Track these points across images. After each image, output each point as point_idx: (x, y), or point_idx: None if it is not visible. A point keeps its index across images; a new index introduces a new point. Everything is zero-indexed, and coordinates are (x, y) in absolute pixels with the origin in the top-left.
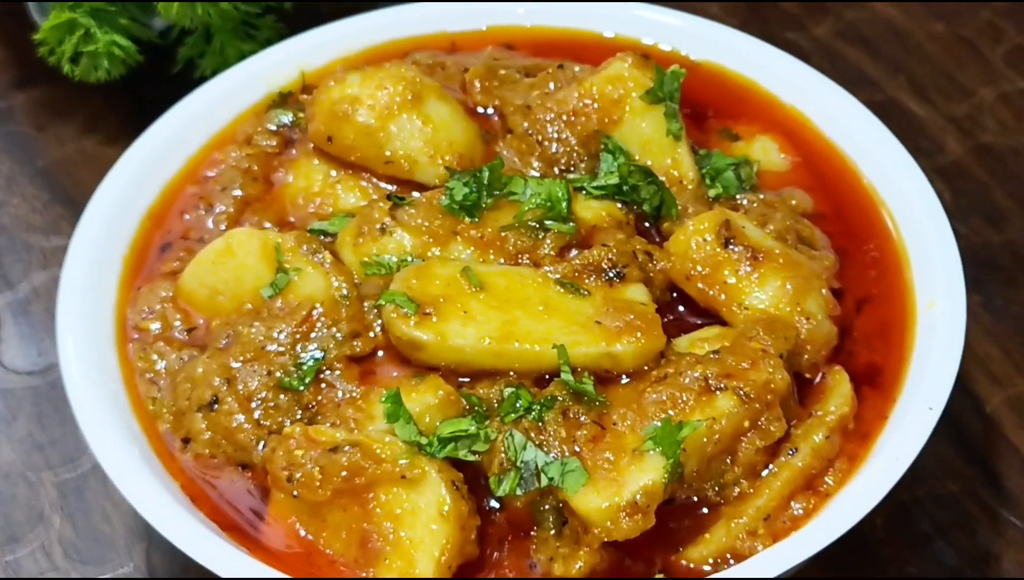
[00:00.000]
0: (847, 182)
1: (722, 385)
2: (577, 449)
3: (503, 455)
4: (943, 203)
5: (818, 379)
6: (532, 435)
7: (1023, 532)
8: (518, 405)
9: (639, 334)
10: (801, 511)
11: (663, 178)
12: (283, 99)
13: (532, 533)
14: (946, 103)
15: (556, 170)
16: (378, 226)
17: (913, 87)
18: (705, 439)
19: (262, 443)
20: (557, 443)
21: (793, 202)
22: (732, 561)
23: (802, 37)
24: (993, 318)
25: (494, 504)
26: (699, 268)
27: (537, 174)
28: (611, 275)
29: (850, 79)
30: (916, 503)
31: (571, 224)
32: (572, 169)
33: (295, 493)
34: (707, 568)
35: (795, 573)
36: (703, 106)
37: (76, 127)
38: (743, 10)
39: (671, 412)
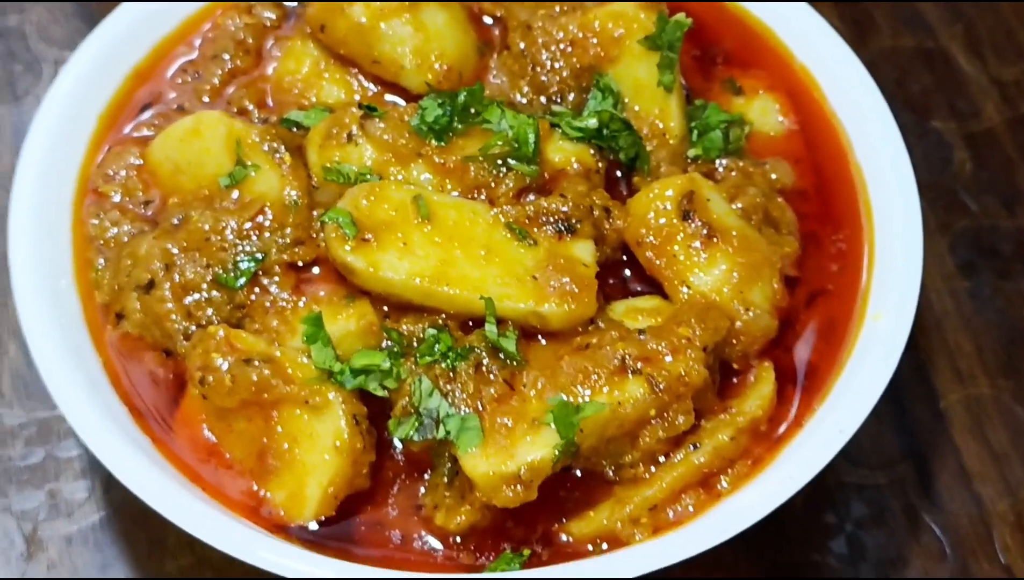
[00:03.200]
0: (836, 161)
1: (637, 368)
2: (480, 406)
3: (408, 398)
4: (962, 173)
5: (745, 372)
6: (441, 383)
7: (939, 541)
8: (436, 349)
9: (571, 299)
10: (691, 508)
11: (647, 128)
12: None
13: (426, 475)
14: (997, 64)
15: (543, 99)
16: (345, 133)
17: (968, 39)
18: (607, 422)
19: (189, 334)
20: (464, 396)
21: (773, 176)
22: (606, 546)
23: None
24: (975, 308)
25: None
26: (652, 237)
27: (524, 100)
28: (562, 228)
29: (904, 18)
30: (841, 487)
31: (534, 167)
32: (559, 101)
33: (204, 395)
34: (589, 548)
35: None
36: (714, 49)
37: None
38: None
39: (581, 387)
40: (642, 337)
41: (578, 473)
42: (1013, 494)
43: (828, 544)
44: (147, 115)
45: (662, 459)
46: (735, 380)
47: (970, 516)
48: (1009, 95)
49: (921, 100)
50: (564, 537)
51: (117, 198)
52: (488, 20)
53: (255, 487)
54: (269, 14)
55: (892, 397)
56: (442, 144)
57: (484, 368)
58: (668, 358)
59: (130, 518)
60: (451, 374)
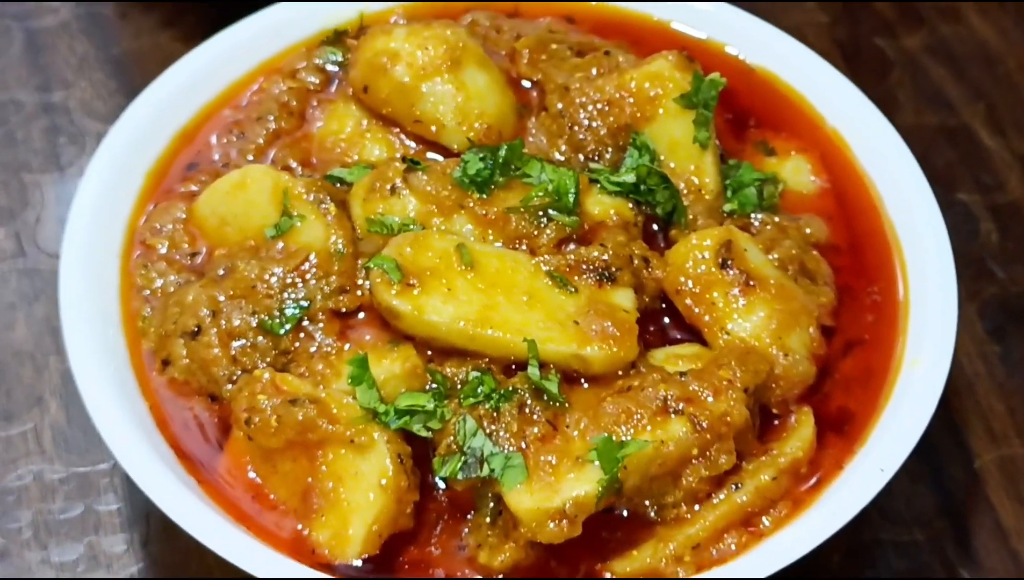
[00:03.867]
0: (869, 218)
1: (679, 408)
2: (524, 445)
3: (452, 438)
4: (988, 244)
5: (785, 417)
6: (485, 423)
7: None
8: (479, 390)
9: (612, 342)
10: (733, 547)
11: (683, 184)
12: (337, 37)
13: (469, 516)
14: (1020, 139)
15: (581, 157)
16: (388, 186)
17: (990, 117)
18: (650, 460)
19: (234, 379)
20: (507, 436)
21: (808, 230)
22: None
23: (890, 45)
24: (1007, 372)
25: (440, 481)
26: (691, 284)
27: (562, 158)
28: (602, 276)
29: (928, 97)
30: (879, 546)
31: (574, 217)
32: (597, 159)
33: (250, 436)
34: None
35: None
36: (747, 113)
37: (156, 20)
38: (837, 8)
39: (624, 426)
40: (683, 379)
41: (623, 514)
42: None
43: None
44: (191, 173)
45: (703, 502)
46: (775, 423)
47: (1007, 571)
48: None
49: (946, 174)
50: (608, 575)
51: (164, 250)
52: (526, 84)
53: (300, 527)
54: (312, 78)
55: (927, 457)
56: (484, 196)
57: (527, 409)
58: (710, 399)
59: (167, 570)
60: (495, 415)
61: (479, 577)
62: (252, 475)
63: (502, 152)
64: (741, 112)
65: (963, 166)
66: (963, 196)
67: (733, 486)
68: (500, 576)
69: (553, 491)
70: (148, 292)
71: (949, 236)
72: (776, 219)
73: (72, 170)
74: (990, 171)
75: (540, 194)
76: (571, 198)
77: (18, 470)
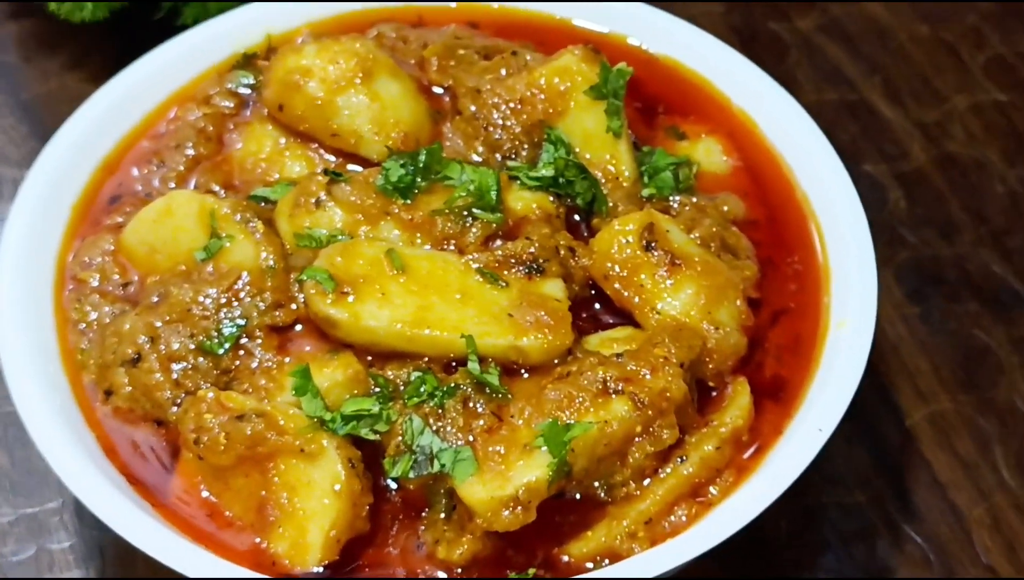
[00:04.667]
0: (783, 191)
1: (619, 388)
2: (472, 438)
3: (400, 438)
4: (897, 211)
5: (721, 389)
6: (431, 421)
7: (921, 549)
8: (422, 390)
9: (547, 331)
10: (684, 518)
11: (600, 174)
12: (246, 61)
13: (424, 514)
14: (918, 108)
15: (498, 156)
16: (313, 200)
17: (887, 89)
18: (595, 441)
19: (178, 402)
20: (454, 431)
21: (725, 208)
22: (607, 562)
23: (784, 28)
24: (928, 331)
25: (391, 483)
26: (618, 268)
27: (480, 159)
28: (531, 268)
29: (826, 75)
30: (822, 509)
31: (498, 214)
32: (514, 156)
33: (200, 455)
34: (590, 565)
35: (685, 575)
36: (655, 101)
37: (61, 63)
38: None
39: (567, 411)
40: (620, 360)
41: (575, 497)
42: (986, 499)
43: (816, 562)
44: (116, 205)
45: (651, 478)
46: (713, 396)
47: (948, 523)
48: (932, 135)
49: (851, 147)
50: (565, 559)
51: (96, 283)
52: (437, 90)
53: (258, 540)
54: (226, 102)
55: (860, 420)
56: (408, 202)
57: (471, 403)
58: (648, 376)
59: None
60: (440, 411)
61: (441, 574)
62: (206, 494)
63: (422, 157)
64: (649, 100)
65: (866, 138)
66: (869, 167)
67: (678, 459)
68: (459, 571)
69: (505, 479)
70: (84, 325)
71: None
72: (694, 200)
73: None
74: (893, 141)
75: (463, 194)
76: (493, 196)
77: None
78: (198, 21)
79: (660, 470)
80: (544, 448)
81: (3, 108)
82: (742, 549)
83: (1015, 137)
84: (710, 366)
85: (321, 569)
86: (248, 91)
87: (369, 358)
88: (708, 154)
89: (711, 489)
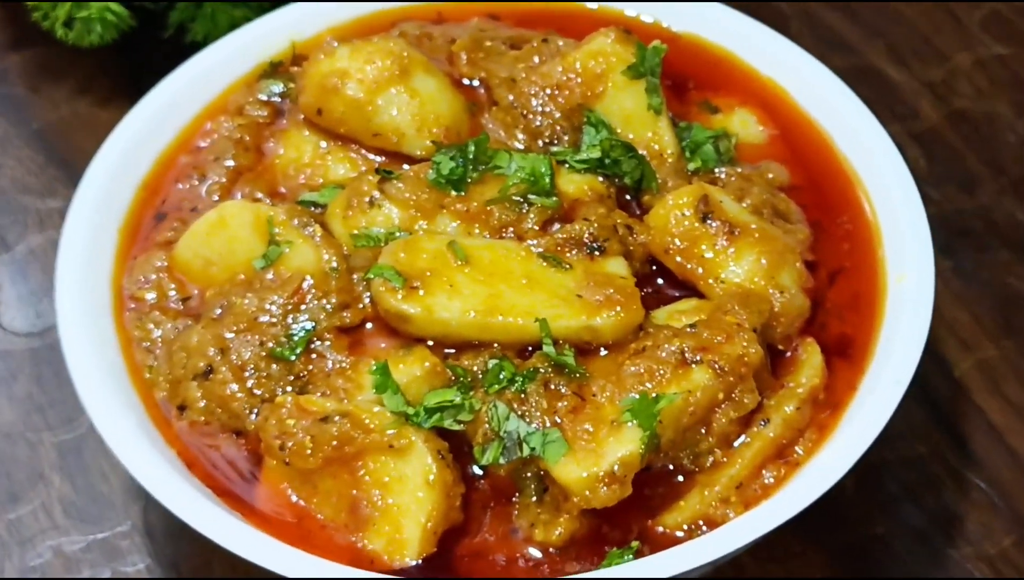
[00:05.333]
0: (822, 155)
1: (698, 358)
2: (558, 420)
3: (487, 425)
4: (917, 169)
5: (791, 351)
6: (515, 406)
7: (987, 494)
8: (501, 376)
9: (618, 308)
10: (772, 480)
11: (644, 152)
12: (274, 69)
13: (514, 499)
14: (923, 68)
15: (540, 143)
16: (367, 199)
17: (891, 52)
18: (681, 411)
19: (255, 411)
20: (539, 414)
21: (770, 176)
22: (705, 527)
23: (783, 2)
24: (963, 283)
25: (477, 471)
26: (677, 242)
27: (521, 147)
28: (592, 249)
29: (829, 43)
30: (885, 465)
31: (554, 198)
32: (556, 142)
33: (287, 461)
34: (680, 534)
35: (768, 535)
36: (684, 78)
37: (70, 89)
38: None
39: (648, 384)
40: (693, 330)
41: (667, 469)
42: None
43: (887, 517)
44: (162, 223)
45: (736, 444)
46: (786, 357)
47: (1008, 467)
48: (940, 93)
49: None
50: (660, 530)
51: (153, 300)
52: (467, 83)
53: (353, 539)
54: (260, 112)
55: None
56: (461, 193)
57: (552, 385)
58: (724, 344)
59: None
60: (522, 396)
61: (539, 554)
62: (295, 499)
63: (471, 149)
64: (678, 77)
65: (877, 102)
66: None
67: (761, 423)
68: (557, 551)
69: (598, 456)
70: (148, 343)
71: None
72: (739, 170)
73: (21, 248)
74: (903, 102)
75: (516, 182)
76: (547, 180)
77: (36, 548)
78: (208, 37)
79: (744, 435)
80: (632, 422)
81: (16, 140)
82: (810, 509)
83: (1021, 88)
84: (778, 330)
85: (420, 562)
86: (279, 99)
87: (444, 350)
88: (744, 125)
89: (796, 449)
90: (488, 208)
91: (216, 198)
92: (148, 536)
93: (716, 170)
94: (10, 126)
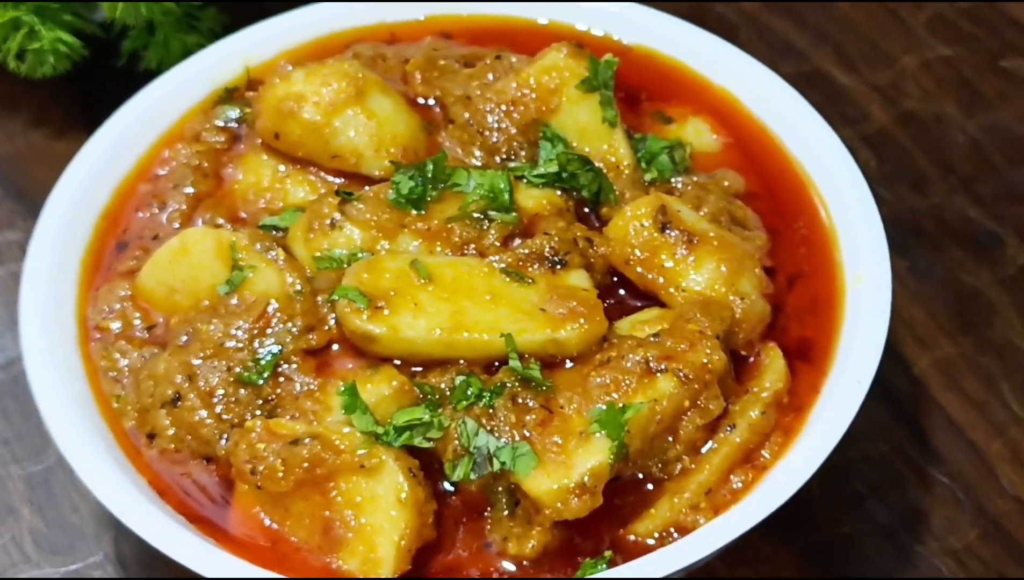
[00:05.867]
0: (776, 161)
1: (663, 367)
2: (527, 433)
3: (456, 442)
4: (869, 171)
5: (753, 356)
6: (483, 421)
7: (950, 489)
8: (469, 392)
9: (582, 320)
10: (740, 484)
11: (600, 164)
12: (229, 95)
13: (486, 514)
14: (871, 71)
15: (497, 159)
16: (328, 221)
17: (839, 56)
18: (648, 420)
19: (225, 437)
20: (508, 428)
21: (725, 183)
22: (676, 534)
23: (731, 9)
24: (918, 282)
25: (449, 487)
26: (637, 252)
27: (479, 164)
28: (553, 262)
29: (778, 50)
30: (850, 465)
31: (513, 214)
32: (513, 158)
33: (258, 485)
34: (652, 542)
35: (740, 539)
36: (637, 89)
37: (24, 121)
38: None
39: (615, 395)
40: (657, 339)
41: (636, 477)
42: (1002, 433)
43: (853, 516)
44: (124, 252)
45: (704, 450)
46: (749, 362)
47: (971, 461)
48: (889, 96)
49: None
50: (632, 538)
51: (119, 330)
52: (423, 102)
53: (328, 561)
54: (217, 137)
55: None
56: (422, 212)
57: (520, 399)
58: (688, 351)
59: None
60: (490, 411)
61: (512, 567)
62: (268, 523)
63: (429, 167)
64: (630, 89)
65: (828, 106)
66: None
67: (727, 428)
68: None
69: (568, 468)
70: (114, 373)
71: None
72: (694, 179)
73: None
74: (852, 105)
75: (475, 199)
76: (507, 196)
77: None
78: (161, 64)
79: (711, 441)
80: (601, 433)
81: None
82: (779, 512)
83: (967, 88)
84: (740, 335)
85: None
86: (236, 124)
87: (411, 369)
88: (697, 134)
89: (763, 453)
90: (449, 226)
91: (177, 225)
92: (121, 565)
93: (672, 180)
94: None
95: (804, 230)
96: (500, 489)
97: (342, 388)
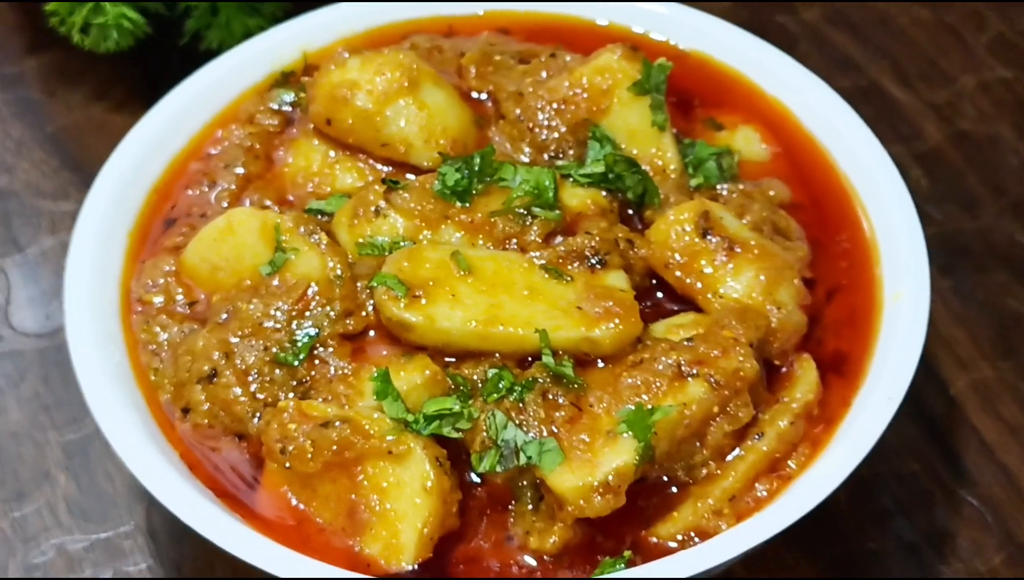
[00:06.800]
0: (823, 173)
1: (694, 371)
2: (555, 429)
3: (485, 433)
4: (919, 189)
5: (786, 367)
6: (513, 415)
7: (979, 512)
8: (501, 386)
9: (617, 320)
10: (765, 493)
11: (647, 167)
12: (285, 79)
13: (510, 507)
14: (928, 89)
15: (545, 156)
16: (373, 208)
17: (896, 72)
18: (676, 423)
19: (258, 415)
20: (536, 423)
21: (771, 193)
22: (697, 539)
23: (791, 20)
24: (961, 303)
25: (475, 478)
26: (677, 257)
27: (527, 160)
28: (593, 262)
29: (836, 63)
30: (878, 480)
31: (557, 211)
32: (561, 156)
33: (287, 464)
34: (673, 545)
35: (760, 547)
36: (690, 95)
37: (85, 94)
38: None
39: (645, 396)
40: (690, 344)
41: (661, 480)
42: None
43: (879, 532)
44: (172, 228)
45: (730, 457)
46: (782, 372)
47: (1001, 485)
48: (944, 115)
49: None
50: (653, 540)
51: (161, 304)
52: (475, 95)
53: (350, 543)
54: (271, 120)
55: (906, 392)
56: (466, 205)
57: (550, 395)
58: (720, 358)
59: None
60: (520, 406)
61: (533, 562)
62: (294, 502)
63: (476, 160)
64: (684, 94)
65: (882, 121)
66: (887, 148)
67: (755, 436)
68: (551, 558)
69: (593, 466)
70: (154, 346)
71: None
72: (740, 187)
73: (33, 250)
74: (907, 122)
75: (520, 194)
76: (551, 194)
77: (40, 546)
78: (222, 45)
79: (738, 448)
80: (628, 434)
81: (31, 143)
82: (803, 522)
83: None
84: (775, 345)
85: (416, 567)
86: (290, 108)
87: (445, 359)
88: (747, 143)
89: (789, 463)
90: (492, 220)
91: (225, 205)
92: (151, 537)
93: (718, 187)
94: (25, 129)
95: (846, 243)
96: (525, 483)
97: (375, 374)
